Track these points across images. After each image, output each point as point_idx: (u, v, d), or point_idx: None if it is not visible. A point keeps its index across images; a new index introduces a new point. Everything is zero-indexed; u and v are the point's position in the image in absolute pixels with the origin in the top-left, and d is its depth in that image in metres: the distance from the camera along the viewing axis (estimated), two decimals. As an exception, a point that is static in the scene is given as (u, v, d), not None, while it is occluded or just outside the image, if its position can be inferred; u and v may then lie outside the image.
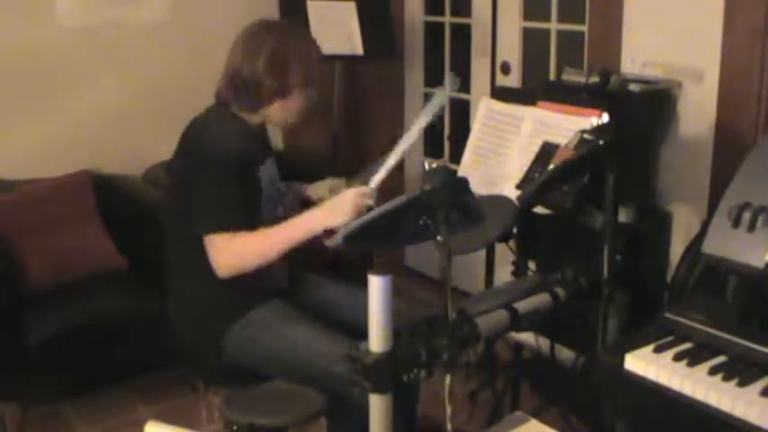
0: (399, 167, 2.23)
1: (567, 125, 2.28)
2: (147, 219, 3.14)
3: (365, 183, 2.20)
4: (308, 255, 2.20)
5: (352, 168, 3.95)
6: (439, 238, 1.51)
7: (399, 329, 1.57)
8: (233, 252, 2.08)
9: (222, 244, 2.07)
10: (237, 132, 2.18)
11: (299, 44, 2.18)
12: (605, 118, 2.11)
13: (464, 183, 1.55)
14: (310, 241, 2.12)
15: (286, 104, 2.19)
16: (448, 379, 1.54)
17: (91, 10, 3.52)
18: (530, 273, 2.67)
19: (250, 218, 2.14)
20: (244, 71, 2.14)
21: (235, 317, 2.15)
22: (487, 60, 3.43)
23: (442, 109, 2.34)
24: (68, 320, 2.89)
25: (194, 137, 2.18)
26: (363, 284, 1.54)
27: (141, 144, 3.63)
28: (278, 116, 2.23)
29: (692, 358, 1.66)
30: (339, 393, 1.99)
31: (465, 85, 3.82)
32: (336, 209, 2.08)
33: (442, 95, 2.20)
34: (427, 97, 4.05)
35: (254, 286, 2.15)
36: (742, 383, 1.56)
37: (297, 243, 2.10)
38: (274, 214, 2.29)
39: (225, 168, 2.08)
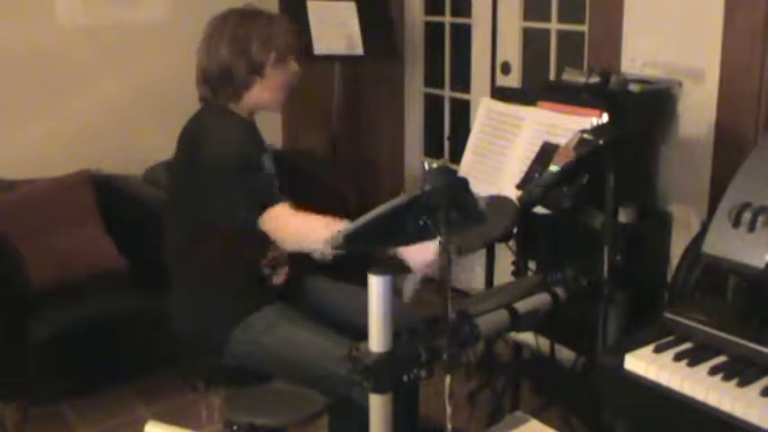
0: (399, 167, 2.23)
1: (567, 125, 2.28)
2: (147, 219, 3.14)
3: None
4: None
5: (353, 168, 3.97)
6: (439, 238, 1.51)
7: (399, 329, 1.57)
8: (302, 225, 2.00)
9: (287, 216, 2.01)
10: (235, 127, 2.18)
11: (257, 21, 2.17)
12: (605, 118, 2.11)
13: (464, 183, 1.55)
14: None
15: (266, 84, 2.18)
16: (448, 379, 1.54)
17: (91, 10, 3.52)
18: (530, 273, 2.67)
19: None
20: (212, 64, 2.14)
21: (236, 320, 2.14)
22: (487, 60, 3.43)
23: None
24: (68, 320, 2.89)
25: (194, 141, 2.16)
26: (363, 285, 1.54)
27: (141, 144, 3.63)
28: (263, 98, 2.21)
29: (692, 358, 1.66)
30: (341, 395, 1.99)
31: (465, 85, 3.83)
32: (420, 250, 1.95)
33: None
34: (427, 97, 4.08)
35: (256, 289, 2.15)
36: (742, 383, 1.56)
37: None
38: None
39: (243, 157, 2.07)
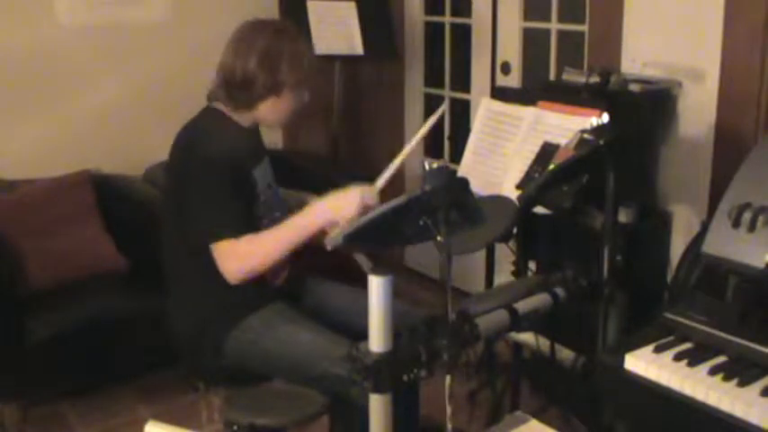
0: (399, 167, 2.24)
1: (567, 125, 2.28)
2: (147, 219, 3.14)
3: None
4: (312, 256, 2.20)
5: (353, 168, 3.96)
6: (439, 238, 1.51)
7: (399, 329, 1.57)
8: (240, 256, 2.07)
9: (228, 250, 2.06)
10: (230, 135, 2.18)
11: (291, 43, 2.18)
12: (605, 118, 2.11)
13: (464, 183, 1.55)
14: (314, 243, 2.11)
15: (278, 103, 2.19)
16: (448, 379, 1.54)
17: (91, 9, 3.52)
18: (530, 273, 2.67)
19: (250, 222, 2.14)
20: (237, 69, 2.14)
21: (236, 321, 2.14)
22: (487, 60, 3.43)
23: (443, 115, 2.40)
24: (68, 320, 2.88)
25: (186, 143, 2.17)
26: (363, 285, 1.54)
27: (141, 144, 3.63)
28: (269, 115, 2.22)
29: (692, 358, 1.66)
30: (340, 394, 1.99)
31: (465, 85, 3.83)
32: (342, 201, 2.08)
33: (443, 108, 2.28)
34: (427, 97, 4.08)
35: (255, 290, 2.15)
36: (742, 383, 1.56)
37: (303, 239, 2.10)
38: (273, 217, 2.29)
39: (221, 173, 2.07)
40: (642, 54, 2.79)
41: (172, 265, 2.25)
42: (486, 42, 3.47)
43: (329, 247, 2.04)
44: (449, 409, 1.55)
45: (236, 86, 2.15)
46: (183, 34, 3.69)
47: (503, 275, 2.86)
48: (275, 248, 2.10)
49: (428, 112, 4.12)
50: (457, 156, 2.75)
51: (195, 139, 2.16)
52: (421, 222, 1.50)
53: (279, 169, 2.39)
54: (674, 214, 2.75)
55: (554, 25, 3.34)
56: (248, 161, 2.21)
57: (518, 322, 1.81)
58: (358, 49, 3.60)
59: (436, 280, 1.55)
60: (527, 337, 2.78)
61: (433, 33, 4.01)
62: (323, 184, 2.35)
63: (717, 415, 1.53)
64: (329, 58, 3.61)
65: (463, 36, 3.79)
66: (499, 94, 2.72)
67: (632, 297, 2.25)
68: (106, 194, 3.37)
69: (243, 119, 2.22)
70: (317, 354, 2.04)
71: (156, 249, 2.32)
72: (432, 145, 4.11)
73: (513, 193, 2.24)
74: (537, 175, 2.20)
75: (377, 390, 1.55)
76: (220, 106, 2.22)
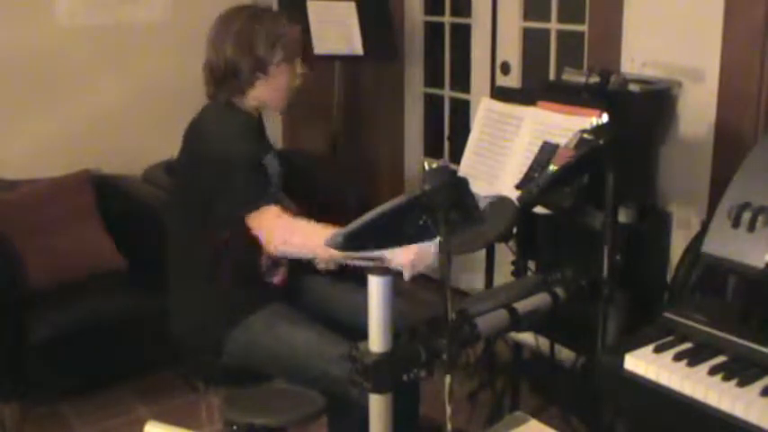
0: (399, 167, 2.23)
1: (567, 125, 2.28)
2: (146, 219, 3.14)
3: None
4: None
5: (353, 168, 3.97)
6: (439, 238, 1.51)
7: (399, 329, 1.57)
8: (285, 226, 2.03)
9: (273, 217, 2.03)
10: (241, 122, 2.18)
11: (264, 20, 2.17)
12: (605, 118, 2.11)
13: (464, 183, 1.55)
14: None
15: (269, 82, 2.18)
16: (448, 379, 1.54)
17: (91, 10, 3.52)
18: (530, 273, 2.67)
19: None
20: (218, 60, 2.15)
21: (236, 321, 2.14)
22: (487, 60, 3.43)
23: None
24: (68, 320, 2.89)
25: (201, 137, 2.17)
26: (364, 284, 1.54)
27: (141, 144, 3.63)
28: (265, 96, 2.21)
29: (692, 358, 1.66)
30: (340, 395, 2.00)
31: (465, 85, 3.83)
32: (421, 253, 1.98)
33: None
34: (427, 97, 4.07)
35: (255, 290, 2.15)
36: (742, 383, 1.56)
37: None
38: None
39: (245, 155, 2.08)
40: (642, 54, 2.79)
41: (174, 265, 2.25)
42: (485, 42, 3.47)
43: (330, 248, 2.03)
44: (449, 409, 1.54)
45: (223, 76, 2.15)
46: (182, 34, 3.69)
47: (503, 275, 2.86)
48: (316, 241, 1.93)
49: (428, 112, 4.12)
50: (457, 156, 2.74)
51: (205, 134, 2.16)
52: (421, 222, 1.50)
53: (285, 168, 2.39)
54: (674, 214, 2.75)
55: (554, 25, 3.34)
56: (261, 148, 2.21)
57: (518, 322, 1.82)
58: (358, 49, 3.60)
59: (436, 280, 1.54)
60: (527, 337, 2.78)
61: (433, 33, 4.01)
62: (321, 184, 2.36)
63: (716, 415, 1.53)
64: (329, 58, 3.61)
65: (463, 36, 3.79)
66: (499, 93, 2.71)
67: (632, 297, 2.25)
68: (106, 194, 3.37)
69: (246, 106, 2.22)
70: (317, 354, 2.04)
71: (155, 249, 2.32)
72: (432, 145, 4.11)
73: (512, 193, 2.24)
74: (537, 175, 2.20)
75: (377, 390, 1.55)
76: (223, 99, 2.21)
